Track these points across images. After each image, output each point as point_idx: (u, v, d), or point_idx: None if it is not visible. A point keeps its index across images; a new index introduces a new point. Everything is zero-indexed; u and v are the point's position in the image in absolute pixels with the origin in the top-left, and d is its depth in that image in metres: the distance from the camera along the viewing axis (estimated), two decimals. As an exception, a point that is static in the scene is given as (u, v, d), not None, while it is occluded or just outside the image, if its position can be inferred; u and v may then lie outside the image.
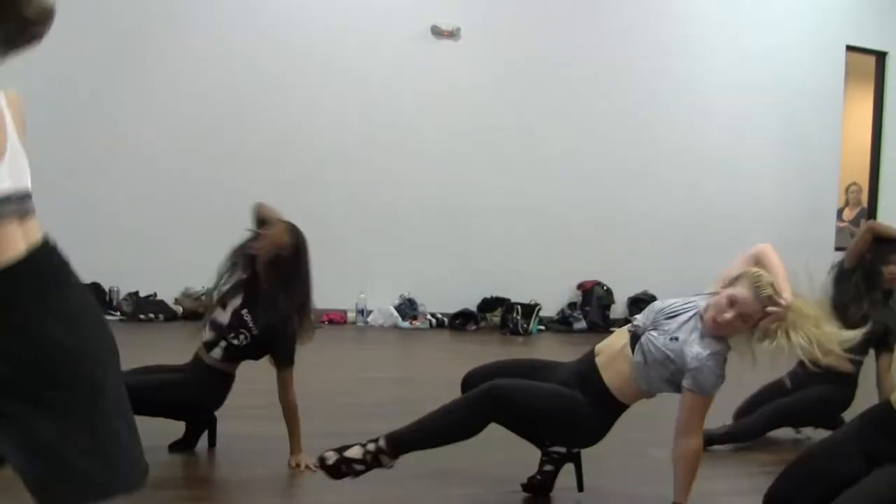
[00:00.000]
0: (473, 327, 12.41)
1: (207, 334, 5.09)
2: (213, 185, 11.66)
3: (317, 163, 11.99)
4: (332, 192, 12.07)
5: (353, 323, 12.27)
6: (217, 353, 5.09)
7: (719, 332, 4.07)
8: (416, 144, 12.44)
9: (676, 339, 4.04)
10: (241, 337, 4.98)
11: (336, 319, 12.22)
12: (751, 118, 14.00)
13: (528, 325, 12.09)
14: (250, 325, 4.98)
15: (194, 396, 5.04)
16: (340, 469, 3.97)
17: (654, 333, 4.09)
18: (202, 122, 11.65)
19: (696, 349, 4.01)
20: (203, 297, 11.28)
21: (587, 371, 4.21)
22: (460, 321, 12.40)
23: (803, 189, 14.26)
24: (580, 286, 13.04)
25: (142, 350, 9.60)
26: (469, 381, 4.49)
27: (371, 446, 3.95)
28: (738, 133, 13.94)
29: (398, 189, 12.39)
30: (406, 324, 12.15)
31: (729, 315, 4.03)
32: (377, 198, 12.32)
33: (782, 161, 14.12)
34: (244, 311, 5.01)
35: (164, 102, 11.54)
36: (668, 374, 4.05)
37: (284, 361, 4.99)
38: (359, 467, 3.97)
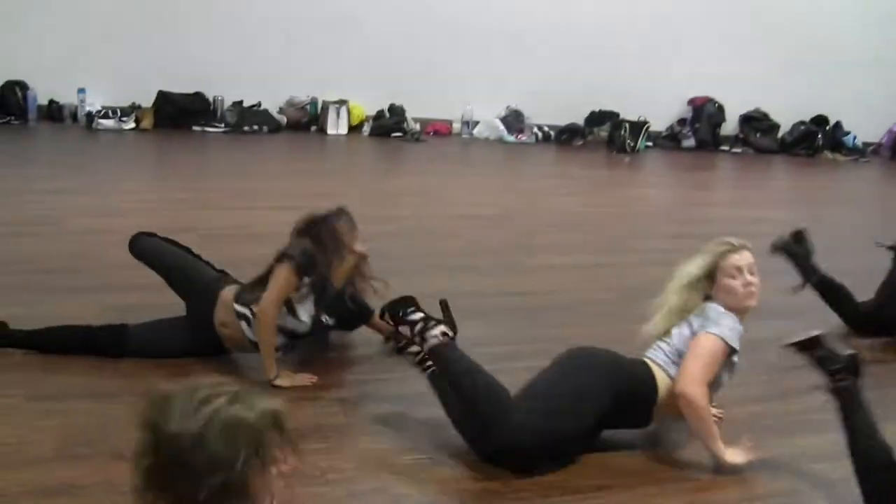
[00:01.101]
0: (580, 142, 12.24)
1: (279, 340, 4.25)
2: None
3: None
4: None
5: (458, 135, 12.15)
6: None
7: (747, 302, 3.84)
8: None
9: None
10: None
11: (441, 131, 12.12)
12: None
13: (636, 143, 11.87)
14: (330, 324, 4.48)
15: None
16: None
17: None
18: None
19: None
20: (307, 107, 11.29)
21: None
22: (566, 136, 12.23)
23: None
24: (691, 102, 12.72)
25: (244, 162, 9.71)
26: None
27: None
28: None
29: (507, -4, 12.05)
30: (511, 137, 12.00)
31: (752, 280, 3.82)
32: (486, 4, 12.02)
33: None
34: (323, 317, 4.38)
35: None
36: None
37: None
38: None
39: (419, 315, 3.66)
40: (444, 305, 4.14)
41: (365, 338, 4.77)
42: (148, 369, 4.14)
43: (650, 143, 12.29)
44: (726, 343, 3.67)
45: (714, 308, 3.78)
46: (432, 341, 3.59)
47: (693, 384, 3.56)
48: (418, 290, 5.48)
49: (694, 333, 3.72)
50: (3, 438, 3.53)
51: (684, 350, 3.69)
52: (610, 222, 7.94)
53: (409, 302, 3.74)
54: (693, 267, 3.90)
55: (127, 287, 4.70)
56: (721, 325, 3.68)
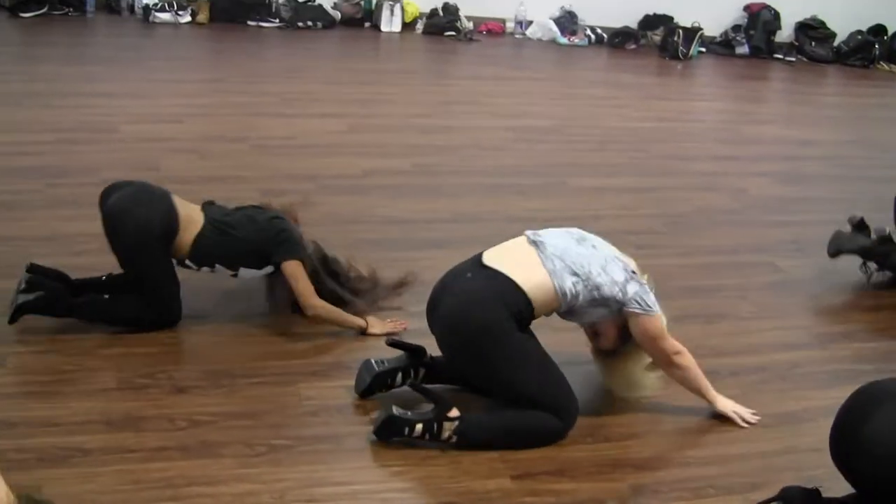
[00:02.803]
0: (633, 46, 12.18)
1: None
2: None
3: None
4: None
5: (511, 34, 12.14)
6: None
7: None
8: None
9: None
10: None
11: (494, 30, 12.12)
12: None
13: (689, 49, 11.78)
14: None
15: None
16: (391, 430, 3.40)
17: None
18: None
19: None
20: (361, 3, 11.31)
21: None
22: (620, 39, 12.16)
23: None
24: (746, 8, 12.57)
25: (298, 60, 9.80)
26: None
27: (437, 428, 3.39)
28: None
29: None
30: (564, 39, 11.96)
31: None
32: None
33: None
34: None
35: None
36: None
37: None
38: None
39: (418, 428, 3.35)
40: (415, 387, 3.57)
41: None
42: (205, 301, 4.30)
43: (703, 49, 12.20)
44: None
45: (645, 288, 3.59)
46: (452, 440, 3.40)
47: (674, 357, 3.59)
48: (464, 211, 5.65)
49: (624, 291, 3.51)
50: (65, 366, 3.70)
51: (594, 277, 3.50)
52: (657, 139, 7.97)
53: (396, 425, 3.37)
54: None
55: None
56: (654, 305, 3.56)
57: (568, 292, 3.47)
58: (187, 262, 4.07)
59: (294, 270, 4.06)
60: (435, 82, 9.80)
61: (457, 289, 3.51)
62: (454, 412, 3.40)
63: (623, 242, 5.42)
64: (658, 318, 3.57)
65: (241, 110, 7.59)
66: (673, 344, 3.61)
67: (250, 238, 4.08)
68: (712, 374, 4.00)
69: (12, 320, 3.87)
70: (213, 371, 3.76)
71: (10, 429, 3.27)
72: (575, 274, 3.49)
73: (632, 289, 3.52)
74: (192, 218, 4.05)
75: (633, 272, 3.61)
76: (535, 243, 3.59)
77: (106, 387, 3.58)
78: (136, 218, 3.89)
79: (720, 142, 8.20)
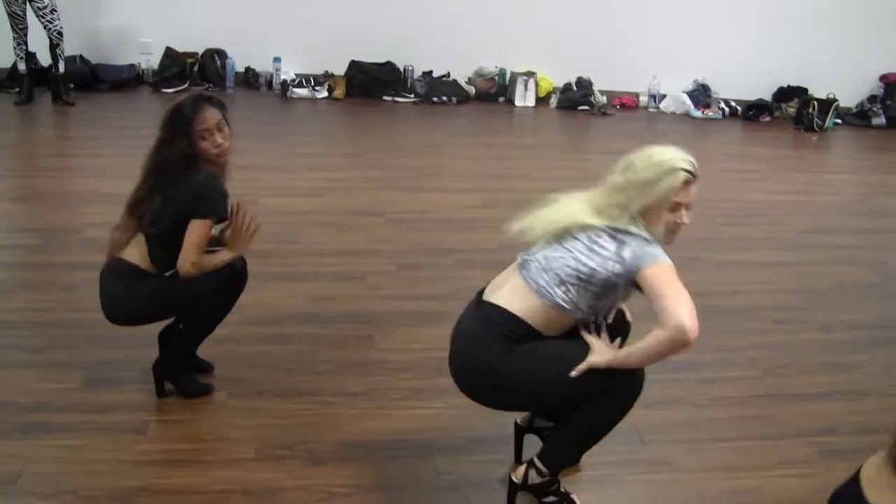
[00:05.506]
0: (767, 118, 12.08)
1: None
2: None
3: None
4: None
5: (645, 108, 12.13)
6: None
7: None
8: None
9: None
10: None
11: (627, 104, 12.12)
12: None
13: (824, 121, 11.63)
14: None
15: None
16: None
17: None
18: None
19: None
20: (495, 78, 11.42)
21: None
22: (754, 112, 12.07)
23: None
24: (882, 78, 12.39)
25: (433, 135, 9.91)
26: None
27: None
28: None
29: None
30: (698, 113, 11.90)
31: (687, 221, 3.36)
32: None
33: None
34: None
35: None
36: None
37: None
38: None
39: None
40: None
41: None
42: (343, 374, 4.36)
43: (839, 121, 12.05)
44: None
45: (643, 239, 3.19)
46: (545, 475, 3.36)
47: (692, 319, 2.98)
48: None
49: (621, 259, 3.14)
50: (205, 436, 3.78)
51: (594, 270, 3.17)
52: (793, 212, 7.87)
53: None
54: (651, 195, 3.23)
55: (323, 276, 4.87)
56: (658, 254, 3.16)
57: (565, 303, 3.18)
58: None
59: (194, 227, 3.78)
60: (569, 157, 9.80)
61: (460, 336, 3.34)
62: (519, 471, 3.40)
63: (762, 318, 5.45)
64: (667, 267, 3.12)
65: (378, 184, 7.71)
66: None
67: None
68: (855, 452, 3.91)
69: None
70: (350, 443, 3.79)
71: (152, 496, 3.34)
72: (562, 282, 3.18)
73: (628, 253, 3.13)
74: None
75: (624, 230, 3.19)
76: (521, 265, 3.33)
77: (245, 457, 3.63)
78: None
79: (858, 214, 8.05)
